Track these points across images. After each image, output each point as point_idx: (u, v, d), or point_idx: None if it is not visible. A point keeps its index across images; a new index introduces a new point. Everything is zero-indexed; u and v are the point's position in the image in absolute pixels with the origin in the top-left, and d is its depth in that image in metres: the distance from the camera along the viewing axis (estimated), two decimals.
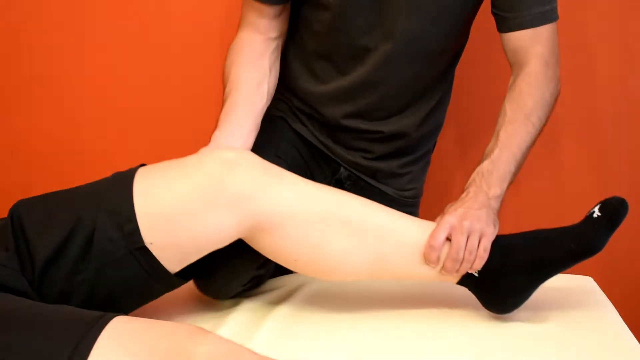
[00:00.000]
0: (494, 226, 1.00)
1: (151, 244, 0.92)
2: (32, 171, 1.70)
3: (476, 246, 0.98)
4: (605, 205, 0.98)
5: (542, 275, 1.00)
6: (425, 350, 0.97)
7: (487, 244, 0.98)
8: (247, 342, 0.98)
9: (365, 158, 1.30)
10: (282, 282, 1.19)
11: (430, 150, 1.40)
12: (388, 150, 1.29)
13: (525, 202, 1.60)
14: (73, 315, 0.81)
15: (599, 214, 0.97)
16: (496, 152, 1.05)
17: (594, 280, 1.18)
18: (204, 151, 1.03)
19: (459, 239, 0.97)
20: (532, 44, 1.11)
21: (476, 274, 1.00)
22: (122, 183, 0.95)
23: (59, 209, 0.95)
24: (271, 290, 1.16)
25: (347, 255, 0.99)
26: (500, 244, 1.00)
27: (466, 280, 1.01)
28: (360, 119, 1.25)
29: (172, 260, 0.95)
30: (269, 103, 1.17)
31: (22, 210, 0.95)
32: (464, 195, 1.03)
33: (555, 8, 1.12)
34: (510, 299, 1.01)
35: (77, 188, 1.00)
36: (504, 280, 0.99)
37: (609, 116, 1.53)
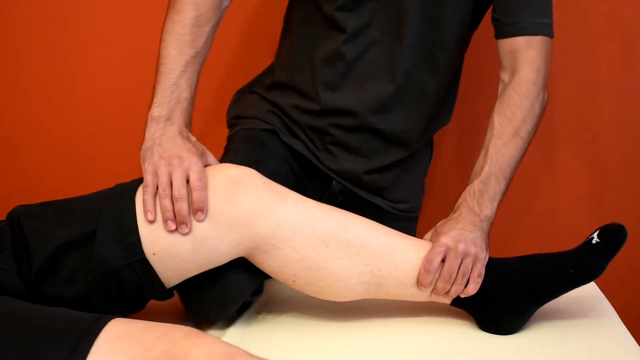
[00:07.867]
0: (486, 250, 1.00)
1: (154, 254, 0.93)
2: (32, 171, 1.69)
3: (469, 270, 0.98)
4: (604, 231, 0.97)
5: (539, 298, 1.00)
6: (423, 352, 0.97)
7: (481, 269, 0.98)
8: (241, 344, 0.98)
9: (361, 171, 1.25)
10: (276, 285, 1.19)
11: (427, 162, 1.38)
12: (385, 163, 1.25)
13: (521, 205, 1.60)
14: (70, 318, 0.81)
15: (598, 240, 0.97)
16: (486, 169, 1.04)
17: (594, 282, 1.17)
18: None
19: (453, 262, 0.97)
20: (526, 48, 1.10)
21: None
22: (125, 194, 0.96)
23: (60, 217, 0.95)
24: (264, 292, 1.16)
25: (345, 277, 0.99)
26: (496, 266, 1.01)
27: (460, 301, 1.01)
28: (366, 132, 1.22)
29: (171, 275, 0.95)
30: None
31: (22, 215, 0.95)
32: (455, 215, 1.02)
33: (552, 25, 1.13)
34: (508, 321, 1.01)
35: (79, 197, 1.00)
36: (501, 301, 1.00)
37: (608, 117, 1.52)
